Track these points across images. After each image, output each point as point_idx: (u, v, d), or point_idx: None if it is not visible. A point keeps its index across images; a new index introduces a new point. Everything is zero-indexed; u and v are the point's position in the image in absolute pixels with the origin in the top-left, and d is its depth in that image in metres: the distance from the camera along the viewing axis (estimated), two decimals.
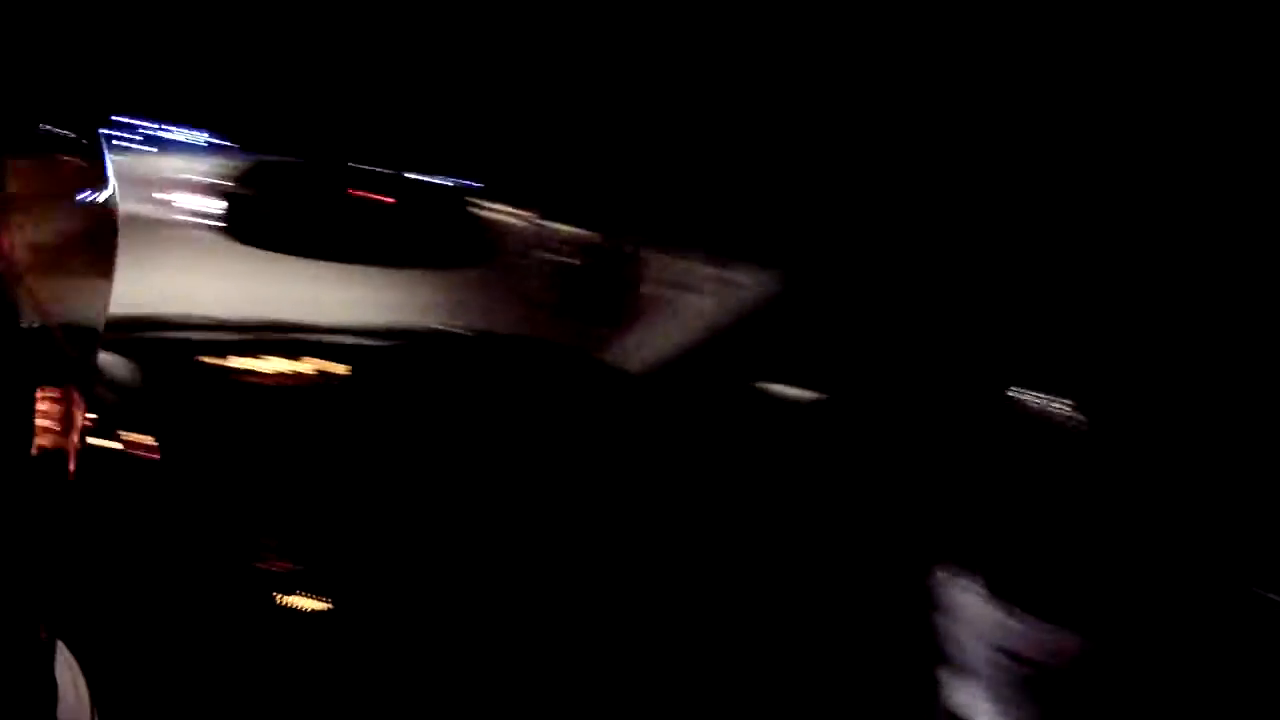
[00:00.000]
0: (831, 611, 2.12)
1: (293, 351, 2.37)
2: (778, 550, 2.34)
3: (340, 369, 2.40)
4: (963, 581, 1.22)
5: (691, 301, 2.51)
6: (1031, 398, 1.28)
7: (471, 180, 1.65)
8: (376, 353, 2.49)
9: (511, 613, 2.33)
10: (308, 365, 2.38)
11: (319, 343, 2.42)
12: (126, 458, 2.01)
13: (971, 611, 1.17)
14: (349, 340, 2.47)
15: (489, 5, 0.85)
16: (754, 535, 2.39)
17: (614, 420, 2.55)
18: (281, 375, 2.36)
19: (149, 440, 2.02)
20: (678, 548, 2.46)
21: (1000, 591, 1.15)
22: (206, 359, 2.29)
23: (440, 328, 2.67)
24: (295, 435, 2.31)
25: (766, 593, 2.30)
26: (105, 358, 2.11)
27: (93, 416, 1.95)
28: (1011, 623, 1.12)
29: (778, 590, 2.29)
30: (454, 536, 2.34)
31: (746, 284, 2.35)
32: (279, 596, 2.11)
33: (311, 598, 2.15)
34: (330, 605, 2.15)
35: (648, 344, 2.58)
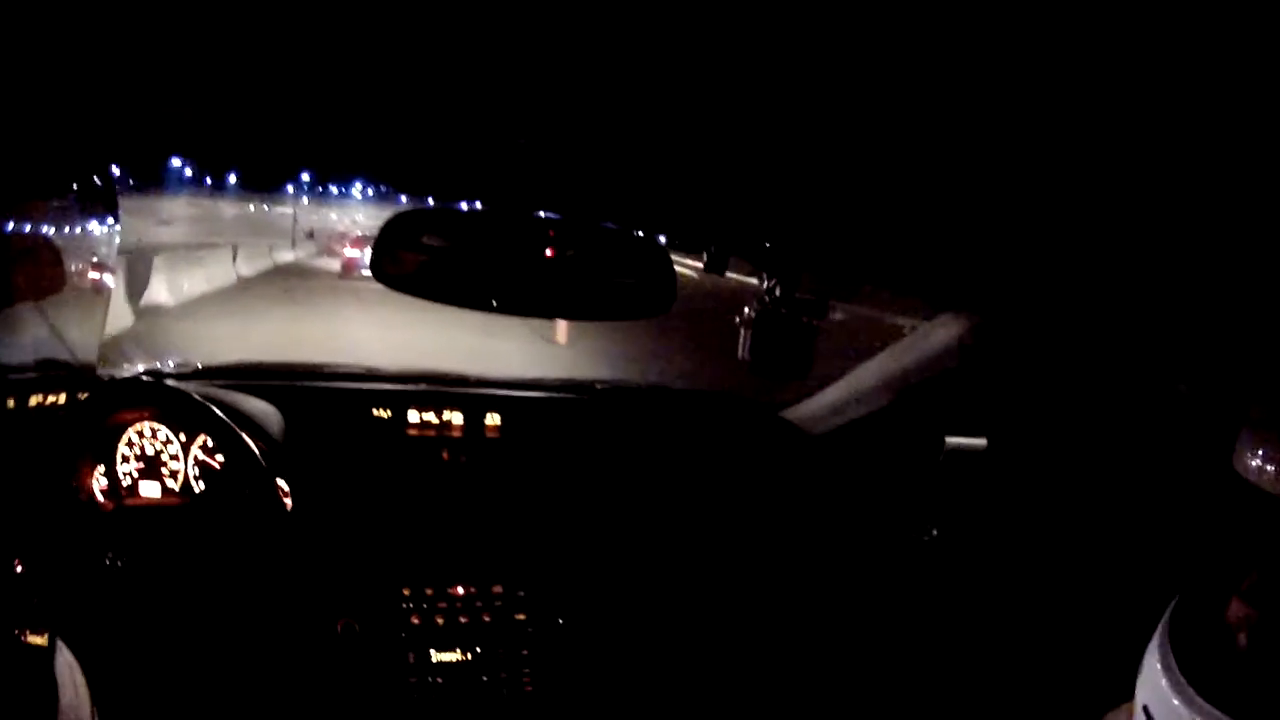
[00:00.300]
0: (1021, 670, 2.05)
1: (453, 404, 2.33)
2: (959, 605, 2.26)
3: (498, 421, 2.35)
4: (1155, 653, 1.03)
5: (880, 355, 2.38)
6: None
7: (649, 229, 1.58)
8: (539, 405, 2.43)
9: (692, 686, 2.25)
10: (465, 417, 2.33)
11: (479, 395, 2.39)
12: (261, 504, 2.02)
13: (1156, 691, 0.99)
14: (510, 393, 2.44)
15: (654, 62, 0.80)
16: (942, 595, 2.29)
17: (795, 483, 2.42)
18: (438, 427, 2.31)
19: (285, 487, 2.03)
20: (860, 618, 2.35)
21: (1193, 678, 0.97)
22: (359, 408, 2.28)
23: (608, 381, 2.62)
24: (447, 491, 2.27)
25: (954, 646, 2.21)
26: (254, 404, 2.14)
27: (224, 461, 1.99)
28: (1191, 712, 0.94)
29: (965, 645, 2.21)
30: (614, 605, 2.26)
31: (940, 335, 2.21)
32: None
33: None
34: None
35: (831, 401, 2.46)
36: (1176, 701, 0.97)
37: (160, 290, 12.84)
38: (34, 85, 0.86)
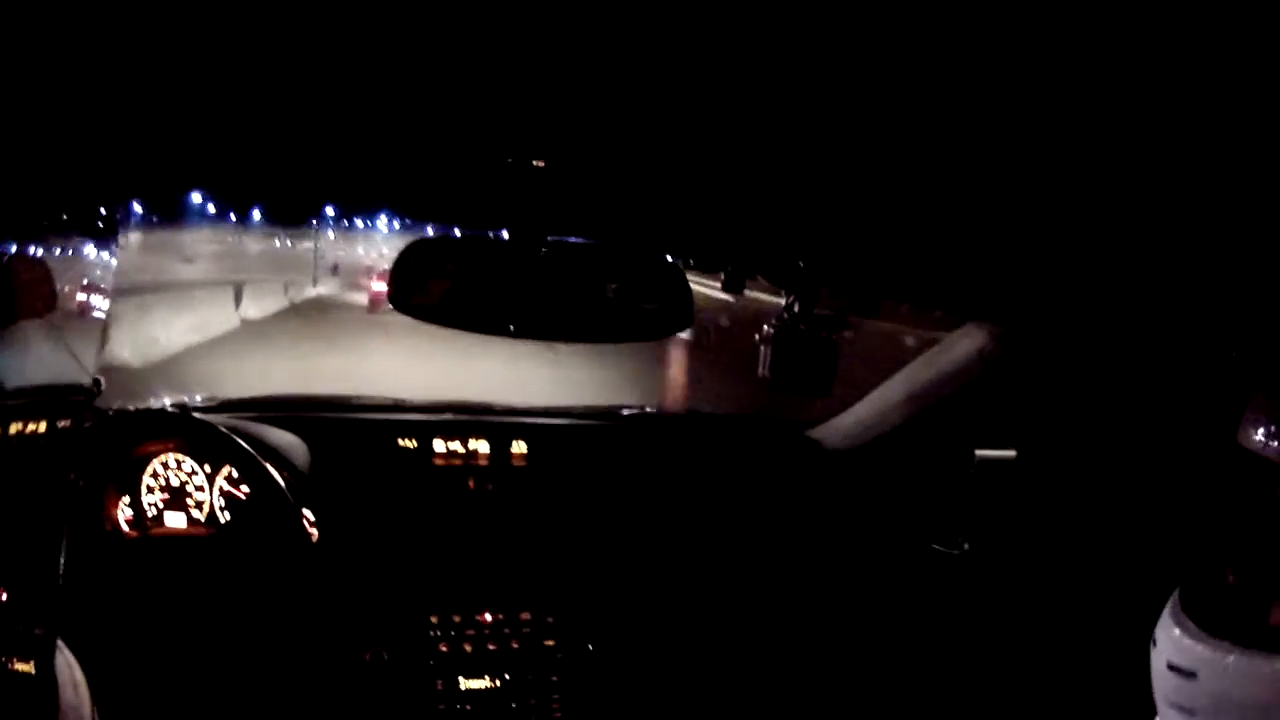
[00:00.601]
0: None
1: (479, 432, 2.34)
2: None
3: (524, 449, 2.35)
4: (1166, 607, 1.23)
5: (904, 370, 2.37)
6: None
7: (665, 250, 1.58)
8: (565, 432, 2.43)
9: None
10: (491, 445, 2.33)
11: (504, 424, 2.39)
12: (286, 535, 2.03)
13: (1168, 633, 1.20)
14: (536, 420, 2.44)
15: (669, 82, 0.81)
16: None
17: (824, 503, 2.40)
18: (464, 456, 2.32)
19: (310, 517, 2.04)
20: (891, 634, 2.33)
21: (1208, 626, 1.16)
22: (385, 438, 2.29)
23: (634, 406, 2.62)
24: (474, 519, 2.28)
25: (988, 660, 2.21)
26: (279, 435, 2.16)
27: (250, 492, 2.01)
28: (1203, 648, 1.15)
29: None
30: (643, 631, 2.25)
31: (964, 347, 2.20)
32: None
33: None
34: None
35: (858, 418, 2.44)
36: (1189, 641, 1.15)
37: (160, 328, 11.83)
38: (51, 119, 0.88)
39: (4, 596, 0.91)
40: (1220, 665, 1.12)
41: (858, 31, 0.70)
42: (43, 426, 0.95)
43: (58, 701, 0.96)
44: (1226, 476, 1.26)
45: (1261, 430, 1.18)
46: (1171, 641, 1.18)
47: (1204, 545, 1.26)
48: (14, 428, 0.89)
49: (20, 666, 0.90)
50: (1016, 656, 2.16)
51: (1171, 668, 1.17)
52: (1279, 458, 1.16)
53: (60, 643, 1.01)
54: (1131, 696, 1.30)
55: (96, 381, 1.46)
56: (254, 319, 15.83)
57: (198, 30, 0.79)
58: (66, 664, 1.03)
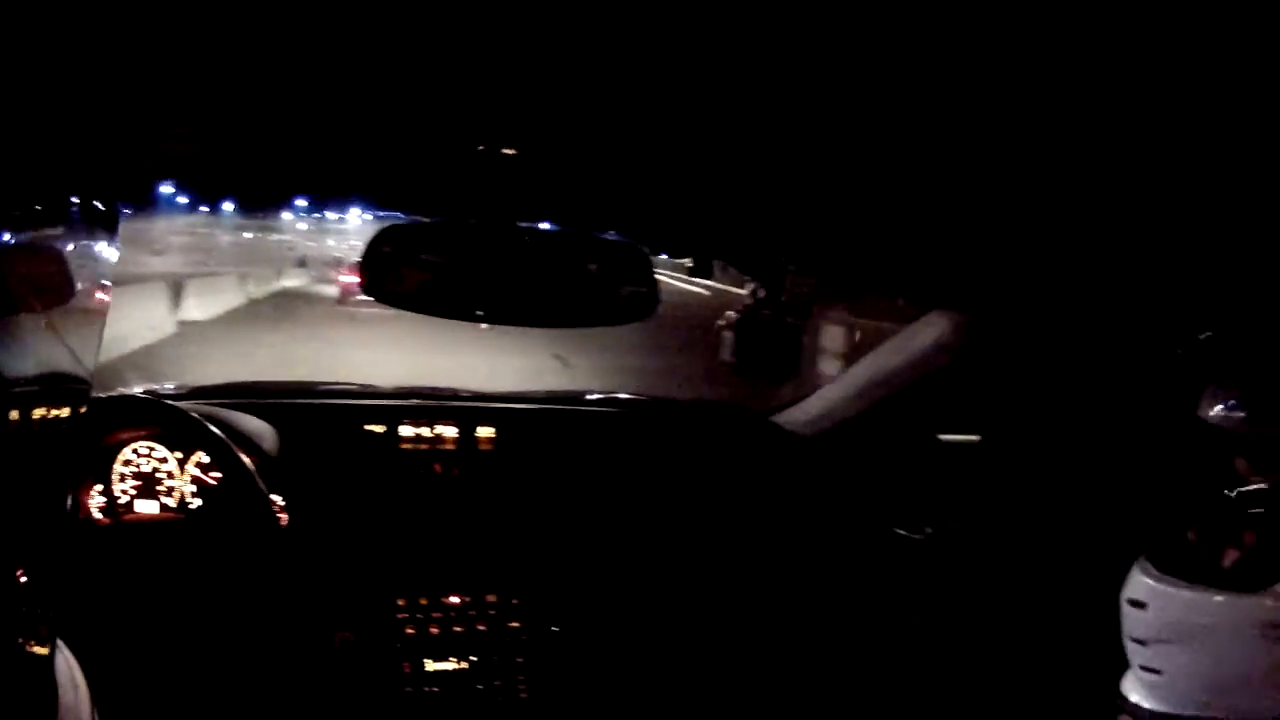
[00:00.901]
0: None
1: (445, 417, 2.36)
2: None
3: (490, 434, 2.37)
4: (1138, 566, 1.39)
5: (869, 356, 2.40)
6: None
7: (633, 237, 1.61)
8: (531, 417, 2.46)
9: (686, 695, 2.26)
10: (458, 430, 2.36)
11: (470, 408, 2.41)
12: (256, 520, 2.05)
13: (1146, 588, 1.35)
14: (501, 405, 2.46)
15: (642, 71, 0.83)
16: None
17: (788, 487, 2.44)
18: (431, 440, 2.34)
19: (280, 502, 2.05)
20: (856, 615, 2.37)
21: (1160, 565, 1.34)
22: (353, 424, 2.31)
23: (599, 391, 2.65)
24: (440, 503, 2.30)
25: (951, 642, 2.26)
26: (249, 422, 2.17)
27: (220, 477, 2.02)
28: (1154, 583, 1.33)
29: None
30: (607, 612, 2.28)
31: (928, 334, 2.24)
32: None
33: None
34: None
35: (823, 403, 2.48)
36: (1144, 579, 1.33)
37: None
38: (36, 105, 0.88)
39: (24, 579, 0.92)
40: (1166, 596, 1.31)
41: (816, 21, 0.71)
42: (42, 414, 0.96)
43: (57, 702, 0.96)
44: (1186, 445, 1.42)
45: (1220, 405, 1.34)
46: (1131, 580, 1.36)
47: (1167, 508, 1.42)
48: (14, 415, 0.90)
49: (23, 662, 0.91)
50: (985, 636, 2.20)
51: (1130, 602, 1.35)
52: (1236, 428, 1.32)
53: (60, 642, 1.02)
54: (1102, 666, 1.41)
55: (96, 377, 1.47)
56: (198, 320, 12.84)
57: (164, 20, 0.80)
58: (66, 664, 1.03)
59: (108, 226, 1.09)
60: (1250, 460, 1.32)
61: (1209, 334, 1.40)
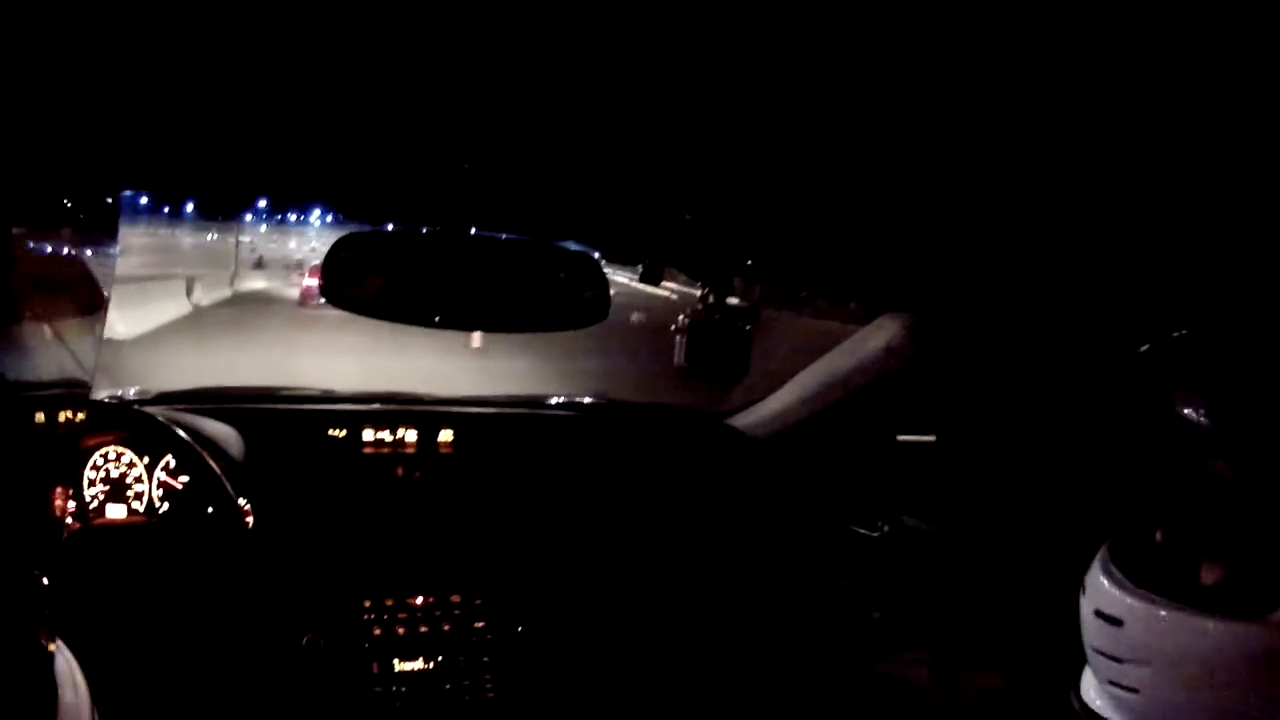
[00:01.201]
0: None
1: (407, 421, 2.40)
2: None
3: (451, 437, 2.41)
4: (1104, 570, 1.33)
5: (823, 359, 2.46)
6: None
7: (585, 243, 1.65)
8: (491, 420, 2.50)
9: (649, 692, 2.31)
10: (419, 434, 2.39)
11: (431, 413, 2.45)
12: (223, 523, 2.08)
13: (1096, 583, 1.30)
14: (462, 409, 2.50)
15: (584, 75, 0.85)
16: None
17: (743, 487, 2.50)
18: (393, 444, 2.37)
19: (246, 506, 2.08)
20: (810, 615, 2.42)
21: (1136, 578, 1.27)
22: (316, 428, 2.34)
23: (559, 395, 2.69)
24: (403, 505, 2.33)
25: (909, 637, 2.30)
26: (215, 427, 2.19)
27: (188, 482, 2.03)
28: (1132, 599, 1.26)
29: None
30: (571, 611, 2.32)
31: (880, 337, 2.29)
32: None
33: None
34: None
35: (777, 406, 2.53)
36: (1118, 592, 1.26)
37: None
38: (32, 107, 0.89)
39: (45, 581, 0.92)
40: (1147, 616, 1.23)
41: (769, 28, 0.73)
42: (42, 418, 0.97)
43: (57, 702, 0.97)
44: (1150, 443, 1.38)
45: (1195, 402, 1.27)
46: (1101, 591, 1.29)
47: (1130, 506, 1.37)
48: (19, 417, 0.91)
49: (23, 662, 0.92)
50: (937, 630, 2.25)
51: (1099, 615, 1.28)
52: (1210, 428, 1.26)
53: (60, 642, 1.03)
54: (1061, 650, 1.39)
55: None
56: (130, 336, 11.21)
57: (130, 24, 0.81)
58: (66, 664, 1.04)
59: (107, 227, 1.11)
60: (1230, 463, 1.24)
61: (1182, 332, 1.34)
